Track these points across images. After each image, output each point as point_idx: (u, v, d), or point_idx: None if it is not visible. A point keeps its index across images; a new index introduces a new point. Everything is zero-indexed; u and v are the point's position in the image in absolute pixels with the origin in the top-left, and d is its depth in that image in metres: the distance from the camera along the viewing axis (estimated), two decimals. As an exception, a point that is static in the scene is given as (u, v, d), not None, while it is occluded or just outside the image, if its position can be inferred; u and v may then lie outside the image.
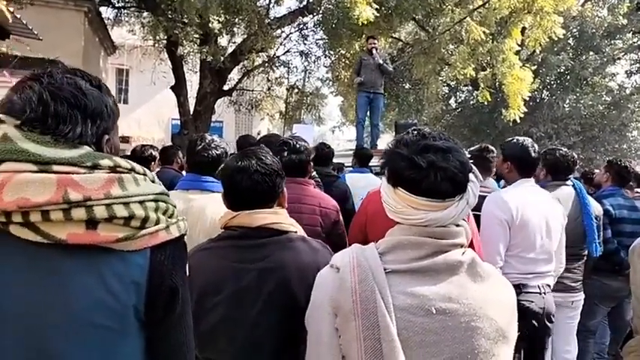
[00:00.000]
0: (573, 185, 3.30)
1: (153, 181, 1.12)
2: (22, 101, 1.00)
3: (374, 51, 7.95)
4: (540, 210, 2.74)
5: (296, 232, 1.60)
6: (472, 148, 3.48)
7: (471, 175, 1.18)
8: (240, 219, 1.53)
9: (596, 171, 4.66)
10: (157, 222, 1.07)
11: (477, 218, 2.68)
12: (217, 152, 2.43)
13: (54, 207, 0.93)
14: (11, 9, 6.47)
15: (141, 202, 1.04)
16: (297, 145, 2.65)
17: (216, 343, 1.48)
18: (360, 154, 5.25)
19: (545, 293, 2.71)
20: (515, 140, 2.91)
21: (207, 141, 2.44)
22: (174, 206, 1.15)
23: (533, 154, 2.83)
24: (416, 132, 1.20)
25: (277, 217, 1.56)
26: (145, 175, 1.10)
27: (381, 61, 7.87)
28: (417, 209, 1.14)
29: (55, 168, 0.96)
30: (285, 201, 1.68)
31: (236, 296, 1.46)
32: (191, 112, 10.47)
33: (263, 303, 1.45)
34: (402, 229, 1.19)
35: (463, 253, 1.16)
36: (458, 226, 1.18)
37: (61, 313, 0.98)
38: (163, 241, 1.07)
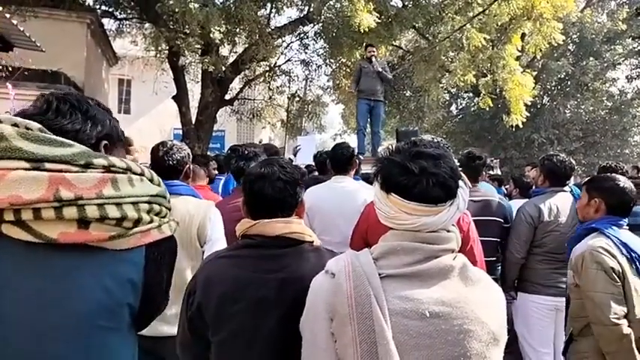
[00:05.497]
0: (571, 191, 3.31)
1: (151, 180, 1.13)
2: (33, 106, 1.08)
3: (373, 59, 7.95)
4: None
5: (312, 241, 1.60)
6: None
7: (460, 182, 1.21)
8: (258, 227, 1.52)
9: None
10: (150, 222, 1.09)
11: (476, 223, 2.69)
12: (180, 155, 2.49)
13: (45, 205, 0.94)
14: (14, 21, 6.53)
15: (134, 204, 1.05)
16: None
17: (232, 352, 1.47)
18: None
19: None
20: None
21: (168, 146, 2.50)
22: (169, 208, 1.17)
23: None
24: (409, 141, 1.23)
25: (295, 226, 1.55)
26: (142, 175, 1.10)
27: (380, 69, 7.89)
28: (410, 214, 1.16)
29: (48, 166, 0.97)
30: (303, 211, 1.66)
31: (253, 306, 1.45)
32: (193, 122, 10.51)
33: (280, 313, 1.44)
34: (394, 234, 1.21)
35: (454, 258, 1.19)
36: (448, 231, 1.20)
37: (57, 314, 0.98)
38: (156, 239, 1.09)
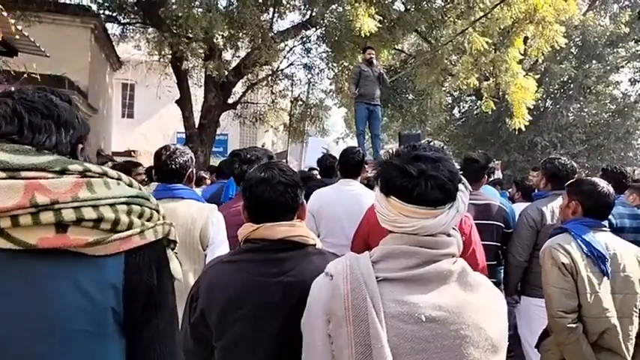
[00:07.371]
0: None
1: (130, 185, 1.12)
2: (2, 120, 1.03)
3: (374, 61, 7.87)
4: None
5: (315, 245, 1.60)
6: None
7: (460, 185, 1.21)
8: (261, 231, 1.52)
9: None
10: (130, 226, 1.06)
11: (476, 227, 2.68)
12: (183, 159, 2.49)
13: (22, 211, 0.94)
14: (19, 27, 6.57)
15: (111, 205, 1.04)
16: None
17: (236, 357, 1.47)
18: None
19: None
20: None
21: (171, 150, 2.50)
22: (155, 209, 1.15)
23: None
24: (408, 145, 1.24)
25: (298, 229, 1.55)
26: (119, 179, 1.10)
27: (383, 71, 7.85)
28: (409, 217, 1.17)
29: (24, 174, 0.97)
30: (304, 213, 1.66)
31: (257, 311, 1.45)
32: (196, 126, 10.55)
33: (284, 317, 1.44)
34: (394, 238, 1.21)
35: (454, 262, 1.18)
36: (449, 236, 1.20)
37: (38, 321, 0.97)
38: (137, 245, 1.07)
